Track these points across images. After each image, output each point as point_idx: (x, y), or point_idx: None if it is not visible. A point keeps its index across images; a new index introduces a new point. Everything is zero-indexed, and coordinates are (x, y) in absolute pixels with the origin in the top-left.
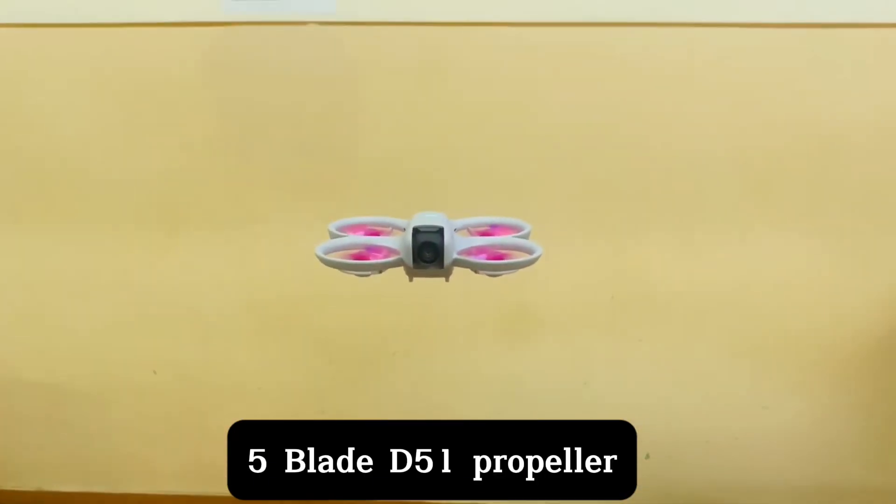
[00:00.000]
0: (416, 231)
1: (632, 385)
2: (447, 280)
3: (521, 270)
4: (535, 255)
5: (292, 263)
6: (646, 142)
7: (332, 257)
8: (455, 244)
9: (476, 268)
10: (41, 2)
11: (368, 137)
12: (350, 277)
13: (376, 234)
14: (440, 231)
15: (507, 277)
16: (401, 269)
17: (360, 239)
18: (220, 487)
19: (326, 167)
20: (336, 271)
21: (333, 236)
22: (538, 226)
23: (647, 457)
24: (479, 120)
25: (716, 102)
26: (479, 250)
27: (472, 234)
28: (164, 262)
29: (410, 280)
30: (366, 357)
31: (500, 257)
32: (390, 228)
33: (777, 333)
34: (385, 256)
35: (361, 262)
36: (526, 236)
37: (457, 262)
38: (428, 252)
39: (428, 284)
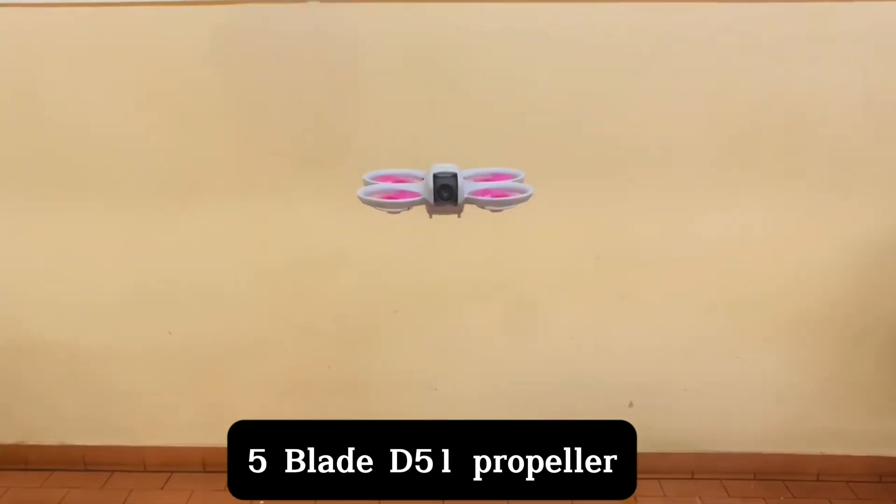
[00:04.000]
0: (435, 176)
1: (616, 338)
2: (459, 216)
3: (515, 210)
4: (528, 193)
5: (298, 230)
6: (630, 114)
7: (371, 198)
8: (465, 186)
9: (482, 204)
10: None
11: (369, 109)
12: (352, 243)
13: (403, 180)
14: (454, 175)
15: (502, 239)
16: (417, 219)
17: (391, 185)
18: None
19: (330, 138)
20: (340, 235)
21: (367, 184)
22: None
23: (631, 405)
24: (472, 91)
25: (695, 77)
26: (485, 191)
27: (477, 180)
28: (178, 230)
29: (430, 216)
30: (368, 316)
31: (502, 196)
32: (412, 178)
33: (749, 290)
34: (410, 197)
35: (394, 201)
36: (521, 181)
37: (467, 200)
38: (445, 192)
39: (427, 247)
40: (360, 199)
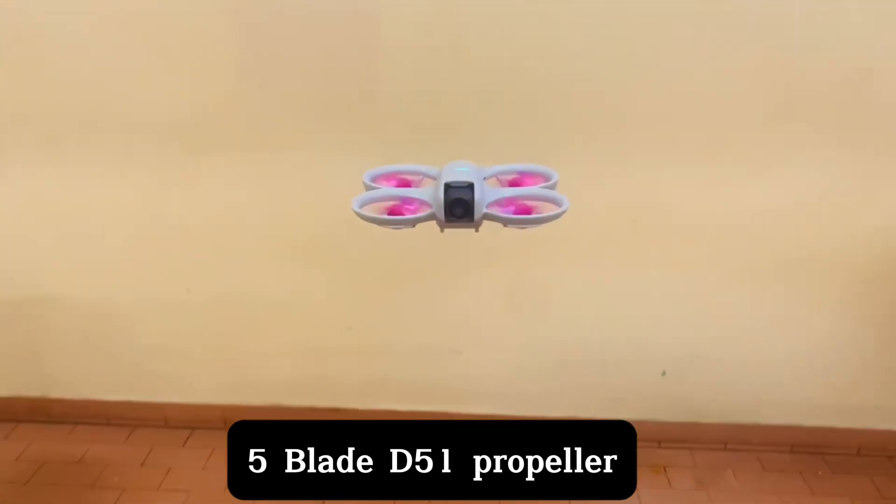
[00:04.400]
0: (447, 187)
1: (652, 305)
2: (476, 231)
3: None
4: (562, 209)
5: (316, 189)
6: (666, 70)
7: (368, 211)
8: (484, 197)
9: (505, 222)
10: None
11: (389, 62)
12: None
13: (407, 183)
14: (470, 186)
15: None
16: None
17: (394, 191)
18: (252, 398)
19: (350, 91)
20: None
21: (368, 188)
22: (563, 155)
23: (664, 374)
24: (497, 56)
25: (742, 28)
26: (509, 202)
27: (501, 182)
28: (195, 187)
29: (442, 231)
30: (388, 278)
31: (528, 210)
32: (421, 177)
33: (795, 258)
34: (417, 209)
35: (396, 218)
36: (553, 186)
37: (486, 216)
38: (458, 208)
39: None
40: (356, 213)
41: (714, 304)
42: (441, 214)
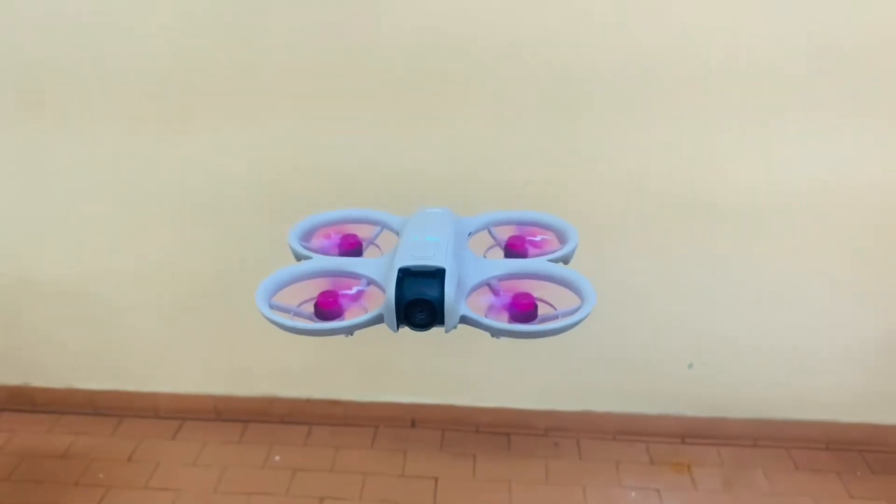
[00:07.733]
0: (402, 274)
1: (677, 292)
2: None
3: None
4: (581, 313)
5: (302, 151)
6: (718, 35)
7: (280, 315)
8: (464, 286)
9: (494, 333)
10: None
11: (385, 19)
12: (359, 159)
13: (355, 242)
14: (439, 275)
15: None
16: None
17: (325, 264)
18: (244, 388)
19: (340, 45)
20: (348, 152)
21: (295, 255)
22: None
23: (690, 366)
24: None
25: None
26: (503, 289)
27: (495, 240)
28: (174, 155)
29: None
30: None
31: (531, 302)
32: (378, 229)
33: (835, 237)
34: (361, 298)
35: (319, 327)
36: (567, 257)
37: (465, 321)
38: (421, 313)
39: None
40: (264, 315)
41: (745, 290)
42: (392, 321)
